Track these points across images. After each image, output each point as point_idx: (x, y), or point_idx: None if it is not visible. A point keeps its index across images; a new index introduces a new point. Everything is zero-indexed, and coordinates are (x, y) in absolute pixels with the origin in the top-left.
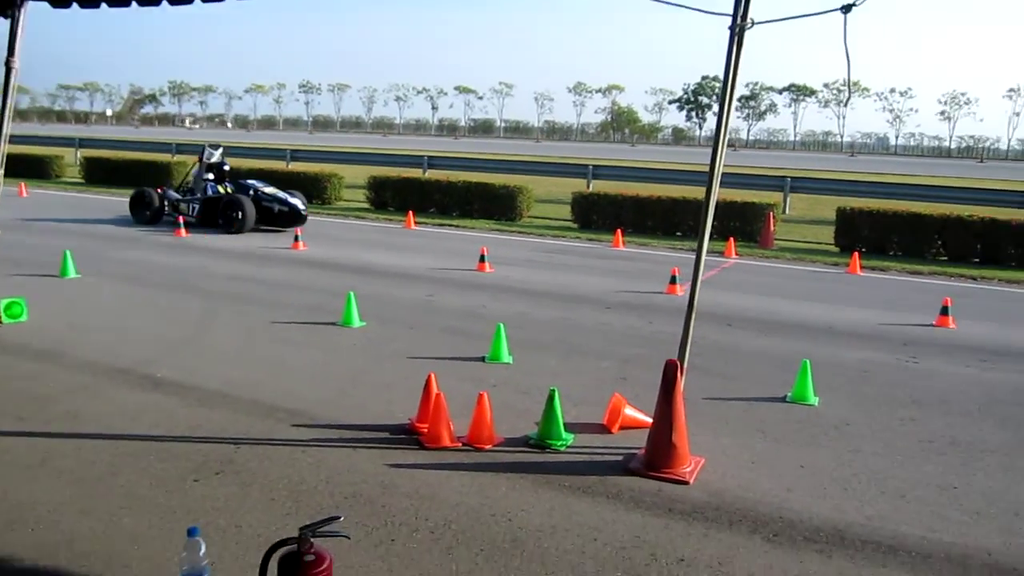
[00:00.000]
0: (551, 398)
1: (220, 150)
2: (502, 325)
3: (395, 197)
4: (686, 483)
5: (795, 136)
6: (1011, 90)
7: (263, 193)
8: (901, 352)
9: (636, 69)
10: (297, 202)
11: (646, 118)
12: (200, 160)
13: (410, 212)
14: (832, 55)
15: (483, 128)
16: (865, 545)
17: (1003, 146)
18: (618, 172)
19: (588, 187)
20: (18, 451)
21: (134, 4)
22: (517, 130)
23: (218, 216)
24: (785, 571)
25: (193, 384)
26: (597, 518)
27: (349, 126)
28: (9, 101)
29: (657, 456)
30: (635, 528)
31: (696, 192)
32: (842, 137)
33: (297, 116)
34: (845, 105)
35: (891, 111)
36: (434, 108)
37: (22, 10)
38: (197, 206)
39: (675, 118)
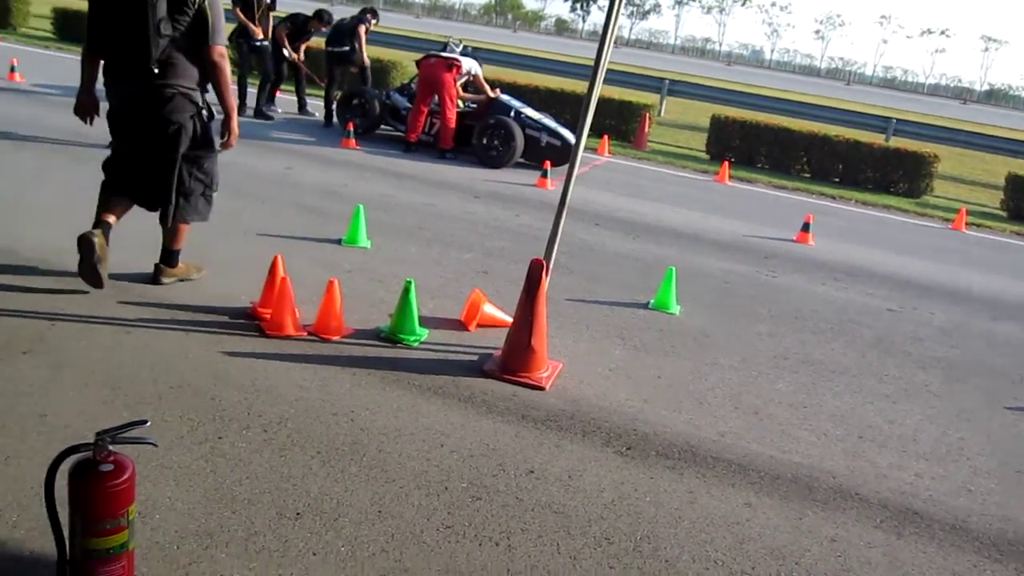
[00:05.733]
0: (406, 290)
1: (462, 45)
2: (361, 206)
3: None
4: (542, 389)
5: (675, 40)
6: (883, 16)
7: (528, 118)
8: (762, 265)
9: None
10: (570, 135)
11: (530, 5)
12: None
13: None
14: None
15: None
16: (716, 463)
17: (869, 71)
18: (498, 57)
19: None
20: None
21: None
22: (398, 3)
23: (474, 140)
24: (636, 487)
25: (11, 249)
26: (446, 422)
27: None
28: None
29: (514, 359)
30: (485, 435)
31: (574, 85)
32: (720, 45)
33: None
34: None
35: (770, 24)
36: None
37: None
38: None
39: (560, 8)
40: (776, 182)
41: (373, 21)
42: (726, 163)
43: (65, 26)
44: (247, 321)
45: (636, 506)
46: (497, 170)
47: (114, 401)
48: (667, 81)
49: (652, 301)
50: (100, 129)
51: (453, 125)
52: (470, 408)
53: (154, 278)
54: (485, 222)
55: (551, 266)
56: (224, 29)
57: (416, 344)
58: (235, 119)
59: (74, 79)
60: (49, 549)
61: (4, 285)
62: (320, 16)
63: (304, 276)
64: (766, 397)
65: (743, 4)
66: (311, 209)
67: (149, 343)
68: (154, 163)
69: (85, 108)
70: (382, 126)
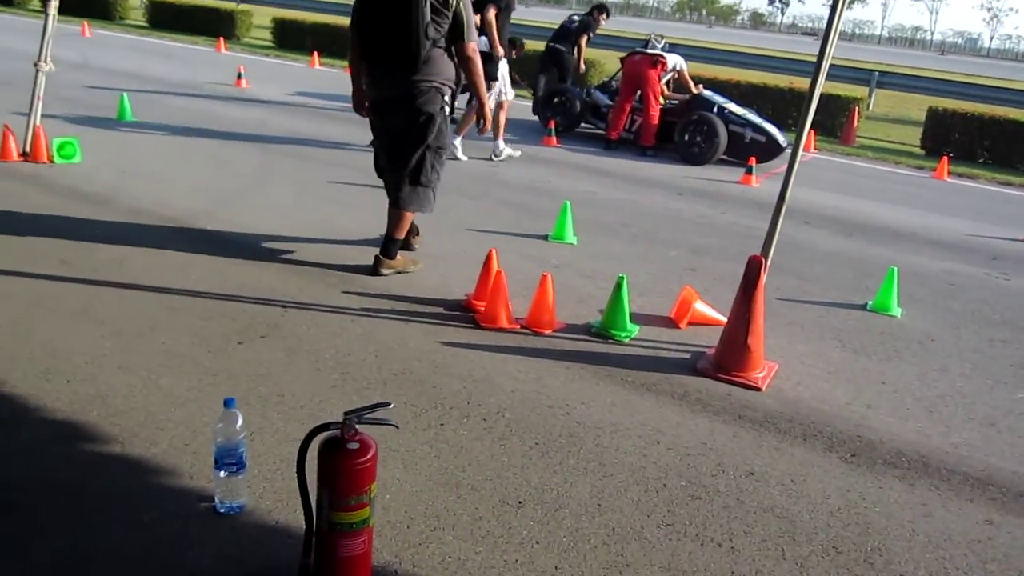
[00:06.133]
0: (619, 285)
1: (664, 41)
2: (568, 203)
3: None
4: (758, 389)
5: (882, 30)
6: None
7: (731, 113)
8: (990, 267)
9: None
10: (775, 131)
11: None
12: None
13: (315, 52)
14: None
15: None
16: (951, 475)
17: None
18: (695, 52)
19: None
20: (59, 297)
21: None
22: (590, 2)
23: (676, 137)
24: (863, 496)
25: (244, 240)
26: (661, 419)
27: None
28: None
29: (729, 357)
30: (701, 434)
31: (777, 79)
32: (932, 34)
33: None
34: None
35: (988, 9)
36: None
37: None
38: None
39: (756, 2)
40: (1001, 178)
41: (602, 18)
42: (945, 158)
43: (283, 35)
44: (462, 313)
45: (865, 516)
46: (699, 167)
47: (343, 385)
48: (876, 73)
49: (871, 302)
50: (317, 130)
51: (656, 122)
52: (684, 406)
53: (374, 269)
54: (690, 219)
55: (768, 264)
56: (475, 27)
57: (627, 340)
58: (487, 106)
59: (293, 84)
60: (292, 520)
61: (242, 274)
62: (513, 43)
63: (513, 270)
64: (1005, 408)
65: None
66: (517, 205)
67: (372, 331)
68: (401, 151)
69: (360, 103)
70: (582, 124)
